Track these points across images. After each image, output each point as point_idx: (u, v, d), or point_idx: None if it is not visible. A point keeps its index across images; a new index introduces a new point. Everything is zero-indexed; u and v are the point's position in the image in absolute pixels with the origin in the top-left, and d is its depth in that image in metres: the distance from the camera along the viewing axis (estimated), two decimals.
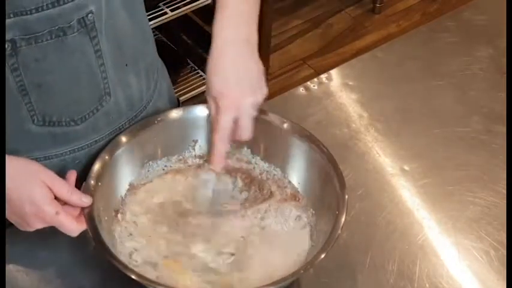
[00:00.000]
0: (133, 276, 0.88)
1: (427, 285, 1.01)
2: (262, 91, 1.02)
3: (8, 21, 0.87)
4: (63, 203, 0.93)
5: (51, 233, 1.04)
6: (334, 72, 1.37)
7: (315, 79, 1.34)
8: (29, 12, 0.87)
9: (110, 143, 1.03)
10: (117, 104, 1.05)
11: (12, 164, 0.91)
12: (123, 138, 1.04)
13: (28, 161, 0.95)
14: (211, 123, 1.04)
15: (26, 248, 1.03)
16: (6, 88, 0.92)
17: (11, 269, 1.00)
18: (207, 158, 1.08)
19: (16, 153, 0.96)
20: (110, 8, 0.95)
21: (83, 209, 0.94)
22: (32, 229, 0.93)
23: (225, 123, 0.99)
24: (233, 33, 1.01)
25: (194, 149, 1.10)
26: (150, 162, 1.08)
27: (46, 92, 0.96)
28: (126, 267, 0.90)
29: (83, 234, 0.95)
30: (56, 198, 0.93)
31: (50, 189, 0.92)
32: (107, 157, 1.01)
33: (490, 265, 1.04)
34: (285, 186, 1.07)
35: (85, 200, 0.94)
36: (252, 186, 1.07)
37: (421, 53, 1.41)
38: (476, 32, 1.45)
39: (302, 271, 0.92)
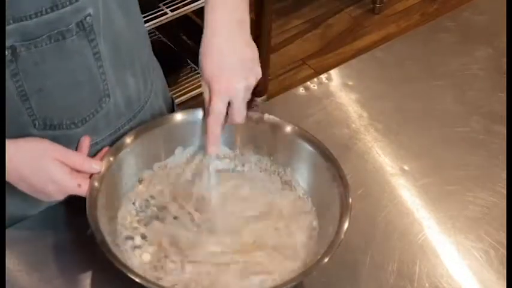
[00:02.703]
0: (137, 280, 0.88)
1: (427, 285, 1.01)
2: (256, 74, 1.00)
3: (7, 27, 0.87)
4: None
5: (52, 233, 1.04)
6: (334, 72, 1.37)
7: (315, 79, 1.34)
8: (28, 18, 0.87)
9: (114, 145, 1.03)
10: (116, 105, 1.05)
11: (23, 148, 0.94)
12: (128, 140, 1.04)
13: (36, 140, 0.96)
14: (205, 107, 1.02)
15: (26, 248, 1.03)
16: (7, 94, 0.92)
17: (11, 269, 1.00)
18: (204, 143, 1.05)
19: None
20: (107, 10, 0.95)
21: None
22: (56, 200, 0.98)
23: (217, 107, 0.98)
24: (225, 14, 1.00)
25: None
26: (155, 163, 1.07)
27: (46, 96, 0.96)
28: (134, 273, 0.89)
29: (83, 233, 0.95)
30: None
31: (65, 163, 0.95)
32: (111, 158, 1.01)
33: (490, 265, 1.04)
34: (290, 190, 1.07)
35: (95, 167, 0.97)
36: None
37: (421, 53, 1.41)
38: (476, 32, 1.45)
39: (302, 277, 0.92)
